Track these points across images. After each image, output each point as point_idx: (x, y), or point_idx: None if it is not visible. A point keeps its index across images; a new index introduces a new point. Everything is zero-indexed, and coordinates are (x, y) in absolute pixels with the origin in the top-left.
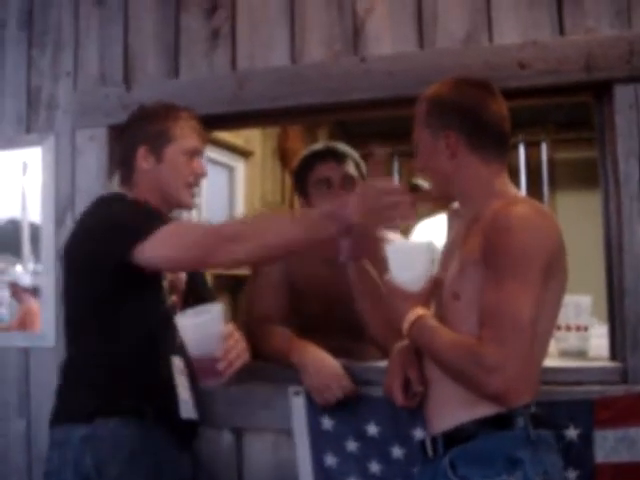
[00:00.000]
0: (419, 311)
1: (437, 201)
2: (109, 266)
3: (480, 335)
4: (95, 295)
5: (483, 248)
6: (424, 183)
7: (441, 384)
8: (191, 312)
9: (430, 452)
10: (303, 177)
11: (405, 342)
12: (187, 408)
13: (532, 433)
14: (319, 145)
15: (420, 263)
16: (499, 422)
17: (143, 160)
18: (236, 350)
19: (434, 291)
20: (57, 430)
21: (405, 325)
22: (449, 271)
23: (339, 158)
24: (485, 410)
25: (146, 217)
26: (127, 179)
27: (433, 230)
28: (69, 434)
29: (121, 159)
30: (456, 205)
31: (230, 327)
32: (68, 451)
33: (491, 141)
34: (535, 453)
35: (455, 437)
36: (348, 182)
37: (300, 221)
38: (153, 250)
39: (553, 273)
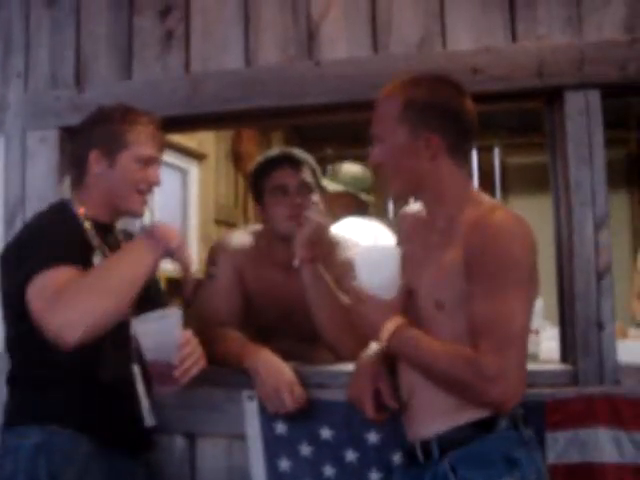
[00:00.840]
0: (398, 320)
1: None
2: (14, 297)
3: (476, 345)
4: (17, 314)
5: (466, 257)
6: (330, 184)
7: (427, 390)
8: (149, 317)
9: (421, 456)
10: (259, 183)
11: (370, 352)
12: (148, 416)
13: (525, 433)
14: (275, 151)
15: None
16: (493, 424)
17: (95, 163)
18: (193, 357)
19: (407, 299)
20: (9, 435)
21: (384, 334)
22: (425, 279)
23: (295, 164)
24: (475, 413)
25: (48, 251)
26: (78, 181)
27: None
28: (22, 440)
29: (73, 160)
30: (409, 209)
31: (188, 333)
32: (23, 456)
33: (466, 145)
34: (529, 452)
35: (451, 441)
36: (304, 189)
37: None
38: (28, 295)
39: (533, 278)
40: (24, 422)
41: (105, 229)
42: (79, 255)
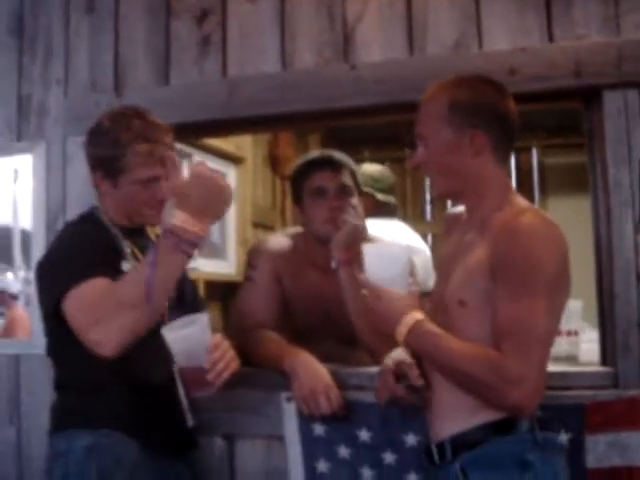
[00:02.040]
0: (416, 315)
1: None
2: (50, 308)
3: (499, 346)
4: (56, 324)
5: (492, 258)
6: (378, 194)
7: (445, 390)
8: (177, 324)
9: (437, 458)
10: (299, 185)
11: (397, 352)
12: (188, 416)
13: (539, 436)
14: (315, 153)
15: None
16: (506, 426)
17: (100, 184)
18: (224, 360)
19: (423, 298)
20: (58, 439)
21: (402, 329)
22: (453, 277)
23: (335, 167)
24: (491, 415)
25: (80, 264)
26: (98, 193)
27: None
28: (72, 443)
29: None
30: (453, 211)
31: (217, 337)
32: (73, 460)
33: (509, 144)
34: (544, 455)
35: (463, 442)
36: (343, 192)
37: (143, 266)
38: (66, 309)
39: (561, 283)
40: (73, 426)
41: (135, 233)
42: (109, 263)
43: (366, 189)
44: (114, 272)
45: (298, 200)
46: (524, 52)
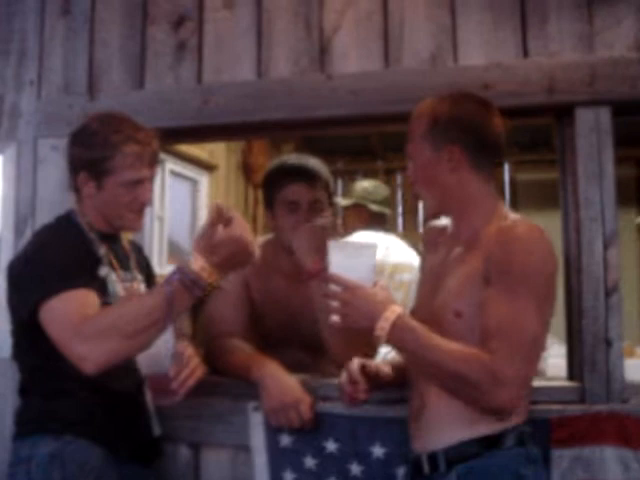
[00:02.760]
0: (396, 308)
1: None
2: (25, 314)
3: (487, 346)
4: (27, 327)
5: (486, 266)
6: (371, 205)
7: (438, 401)
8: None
9: (427, 468)
10: (271, 192)
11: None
12: (155, 425)
13: (531, 451)
14: (291, 159)
15: (364, 265)
16: (501, 440)
17: (84, 185)
18: (189, 368)
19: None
20: (21, 445)
21: (383, 324)
22: (444, 289)
23: (310, 179)
24: (486, 428)
25: (59, 272)
26: (76, 193)
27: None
28: (35, 450)
29: (69, 175)
30: (435, 224)
31: (182, 345)
32: (36, 467)
33: (491, 159)
34: (536, 470)
35: (458, 455)
36: (316, 206)
37: (156, 297)
38: (44, 318)
39: (551, 292)
40: (37, 432)
41: (110, 239)
42: (88, 271)
43: (360, 201)
44: (93, 281)
45: (269, 205)
46: (498, 67)
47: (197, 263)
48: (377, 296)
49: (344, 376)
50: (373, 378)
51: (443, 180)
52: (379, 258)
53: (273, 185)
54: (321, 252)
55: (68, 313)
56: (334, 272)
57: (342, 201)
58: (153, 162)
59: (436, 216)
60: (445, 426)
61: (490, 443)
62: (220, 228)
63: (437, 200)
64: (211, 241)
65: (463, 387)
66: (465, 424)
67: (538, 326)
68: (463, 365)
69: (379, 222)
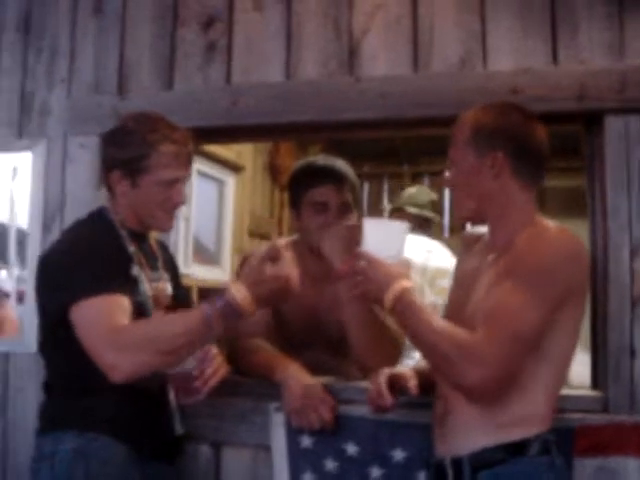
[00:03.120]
0: (405, 283)
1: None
2: (55, 312)
3: (478, 329)
4: (56, 324)
5: (509, 264)
6: (410, 208)
7: (464, 406)
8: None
9: (451, 473)
10: (298, 193)
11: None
12: (178, 424)
13: (557, 460)
14: (319, 160)
15: (395, 244)
16: (526, 447)
17: (117, 184)
18: (212, 367)
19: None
20: (45, 440)
21: (389, 295)
22: (476, 296)
23: (338, 181)
24: (511, 435)
25: (92, 273)
26: (109, 192)
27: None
28: (59, 446)
29: (102, 173)
30: (473, 231)
31: (207, 345)
32: (60, 463)
33: (533, 169)
34: (559, 479)
35: (483, 461)
36: (344, 208)
37: (196, 319)
38: (76, 319)
39: (574, 300)
40: (61, 428)
41: (139, 237)
42: (122, 272)
43: (401, 205)
44: (127, 282)
45: (295, 205)
46: (527, 73)
47: (241, 293)
48: (391, 269)
49: (371, 389)
50: (400, 390)
51: (484, 186)
52: (421, 261)
53: (300, 186)
54: (350, 253)
55: (101, 319)
56: (367, 247)
57: (387, 206)
58: (188, 162)
59: (471, 222)
60: (470, 431)
61: (515, 450)
62: (269, 265)
63: (475, 205)
64: (260, 276)
65: (440, 362)
66: (490, 430)
67: (535, 323)
68: (439, 338)
69: (422, 226)
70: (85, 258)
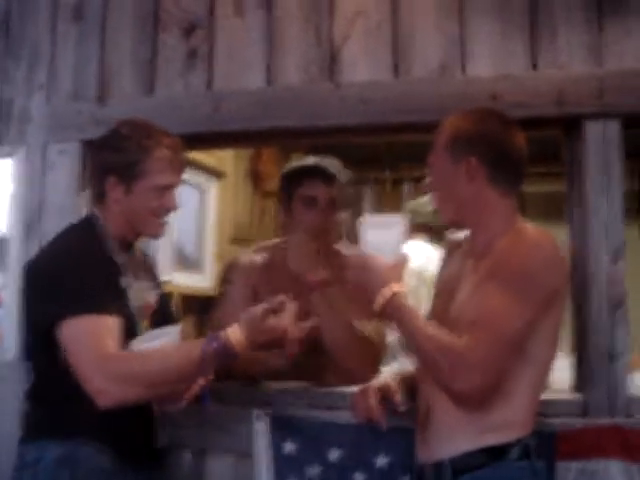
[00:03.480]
0: (394, 287)
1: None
2: (43, 325)
3: (465, 334)
4: (43, 333)
5: (491, 268)
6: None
7: (446, 410)
8: (148, 336)
9: (432, 477)
10: (289, 189)
11: (383, 376)
12: (161, 432)
13: (537, 464)
14: (310, 160)
15: (393, 238)
16: (506, 452)
17: (112, 189)
18: None
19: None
20: (28, 449)
21: (379, 299)
22: (458, 301)
23: (327, 179)
24: (492, 439)
25: (81, 288)
26: (99, 199)
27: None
28: (42, 454)
29: (93, 180)
30: (455, 236)
31: None
32: (43, 471)
33: (511, 175)
34: None
35: (464, 465)
36: (333, 205)
37: (189, 357)
38: (64, 337)
39: (556, 304)
40: (45, 436)
41: (127, 247)
42: (112, 285)
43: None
44: (116, 295)
45: (285, 201)
46: (507, 79)
47: (236, 336)
48: (383, 274)
49: (361, 405)
50: (386, 400)
51: (460, 191)
52: (418, 265)
53: (292, 181)
54: (316, 263)
55: (91, 342)
56: (366, 244)
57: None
58: (181, 169)
59: (452, 225)
60: (452, 436)
61: (496, 454)
62: (272, 316)
63: (454, 211)
64: (260, 326)
65: (431, 368)
66: (472, 434)
67: (519, 327)
68: (429, 345)
69: (424, 233)
70: (75, 270)
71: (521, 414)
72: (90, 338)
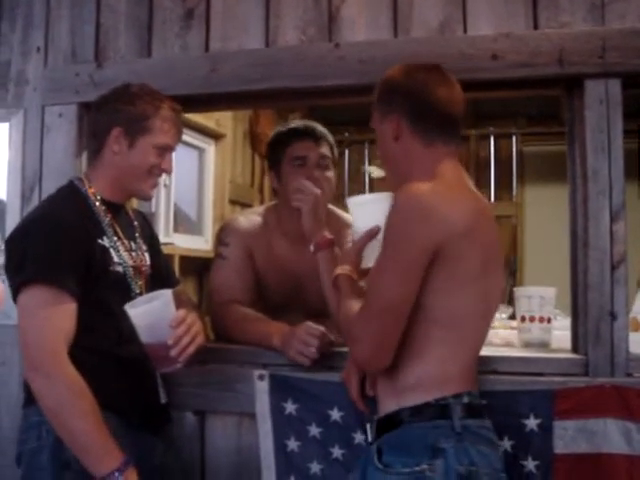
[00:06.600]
0: (339, 269)
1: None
2: (15, 295)
3: None
4: None
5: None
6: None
7: (382, 373)
8: (140, 300)
9: (370, 437)
10: (278, 151)
11: None
12: (162, 393)
13: (457, 424)
14: (298, 122)
15: (379, 211)
16: (427, 411)
17: (115, 141)
18: (189, 335)
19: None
20: (32, 411)
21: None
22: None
23: (317, 138)
24: (413, 399)
25: (46, 256)
26: (94, 155)
27: None
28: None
29: (93, 132)
30: None
31: (182, 311)
32: (47, 432)
33: (434, 125)
34: (460, 443)
35: (385, 424)
36: (322, 163)
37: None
38: (21, 306)
39: (443, 262)
40: None
41: (116, 208)
42: (84, 248)
43: None
44: (90, 247)
45: (275, 166)
46: (508, 38)
47: None
48: (344, 255)
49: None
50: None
51: (390, 149)
52: None
53: (280, 144)
54: (325, 225)
55: (47, 329)
56: (357, 226)
57: (374, 172)
58: (180, 134)
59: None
60: (381, 396)
61: (411, 413)
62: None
63: (391, 172)
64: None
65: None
66: (391, 396)
67: (395, 287)
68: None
69: None
70: (43, 239)
71: (437, 373)
72: (47, 323)
